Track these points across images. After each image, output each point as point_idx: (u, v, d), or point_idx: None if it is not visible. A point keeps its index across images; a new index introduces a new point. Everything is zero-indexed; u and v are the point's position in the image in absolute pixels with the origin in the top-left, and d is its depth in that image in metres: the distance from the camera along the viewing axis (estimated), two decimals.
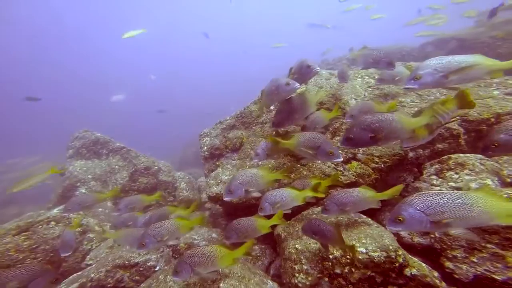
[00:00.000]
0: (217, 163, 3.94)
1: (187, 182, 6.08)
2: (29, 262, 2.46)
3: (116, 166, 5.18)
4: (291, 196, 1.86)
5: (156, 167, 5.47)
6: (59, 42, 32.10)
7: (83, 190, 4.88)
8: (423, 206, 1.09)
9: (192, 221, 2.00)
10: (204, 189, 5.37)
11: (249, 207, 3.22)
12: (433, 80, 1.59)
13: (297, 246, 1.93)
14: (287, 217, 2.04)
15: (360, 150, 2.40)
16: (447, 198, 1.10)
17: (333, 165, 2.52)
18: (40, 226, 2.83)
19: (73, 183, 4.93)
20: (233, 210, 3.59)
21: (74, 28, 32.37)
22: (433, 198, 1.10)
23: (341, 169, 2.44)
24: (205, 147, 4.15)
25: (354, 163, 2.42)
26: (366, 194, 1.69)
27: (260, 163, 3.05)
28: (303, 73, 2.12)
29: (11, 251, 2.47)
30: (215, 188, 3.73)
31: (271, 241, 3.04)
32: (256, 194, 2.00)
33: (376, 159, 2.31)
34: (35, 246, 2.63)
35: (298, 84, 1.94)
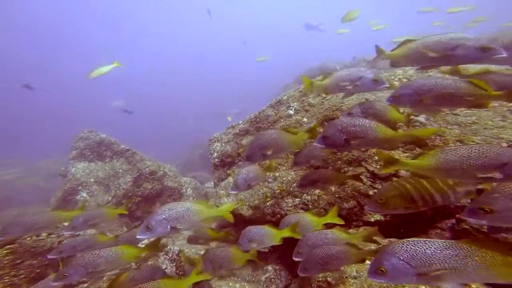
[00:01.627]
0: (228, 171, 3.61)
1: (194, 188, 5.77)
2: (7, 280, 2.14)
3: (120, 170, 4.91)
4: (268, 235, 1.82)
5: (161, 172, 5.18)
6: (62, 39, 32.34)
7: (84, 194, 4.62)
8: (407, 256, 0.99)
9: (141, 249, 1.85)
10: (211, 196, 5.05)
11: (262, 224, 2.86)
12: (338, 141, 1.51)
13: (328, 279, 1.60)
14: None
15: (402, 170, 2.03)
16: (435, 248, 0.99)
17: (369, 182, 2.14)
18: (29, 238, 2.54)
19: (74, 186, 4.67)
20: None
21: (76, 25, 32.63)
22: (418, 247, 1.00)
23: (379, 186, 2.07)
24: (216, 154, 3.82)
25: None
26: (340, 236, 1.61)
27: (242, 196, 2.77)
28: (367, 87, 1.79)
29: None
30: (226, 200, 3.39)
31: (287, 259, 2.70)
32: None
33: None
34: (19, 261, 2.33)
35: (388, 84, 1.73)
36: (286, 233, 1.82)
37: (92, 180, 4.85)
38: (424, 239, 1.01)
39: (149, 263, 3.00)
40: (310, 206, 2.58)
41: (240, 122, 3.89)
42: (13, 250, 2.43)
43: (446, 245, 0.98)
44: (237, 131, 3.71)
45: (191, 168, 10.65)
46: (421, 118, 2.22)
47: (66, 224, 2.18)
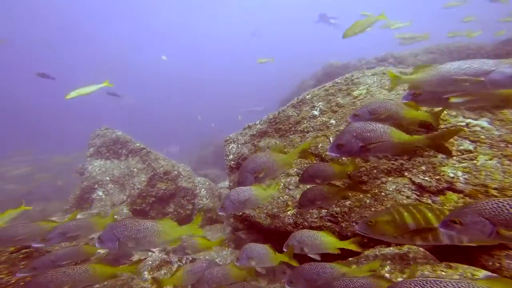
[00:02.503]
0: None
1: (208, 189, 5.62)
2: (22, 284, 1.99)
3: (135, 169, 4.85)
4: (268, 255, 1.77)
5: (175, 172, 5.07)
6: (73, 26, 32.82)
7: (100, 193, 4.61)
8: None
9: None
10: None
11: (283, 235, 2.61)
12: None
13: None
14: None
15: (461, 177, 1.66)
16: None
17: (415, 196, 1.80)
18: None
19: (91, 185, 4.68)
20: (263, 236, 3.01)
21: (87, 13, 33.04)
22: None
23: (429, 201, 1.73)
24: (231, 156, 3.60)
25: (453, 195, 1.68)
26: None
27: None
28: (499, 84, 1.44)
29: None
30: None
31: None
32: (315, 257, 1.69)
33: (494, 192, 1.54)
34: None
35: None
36: (284, 258, 1.74)
37: (108, 178, 4.83)
38: (435, 278, 0.91)
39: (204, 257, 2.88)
40: (340, 219, 2.28)
41: (257, 122, 3.63)
42: (28, 255, 2.36)
43: (462, 285, 0.89)
44: (254, 132, 3.46)
45: (204, 164, 10.60)
46: (483, 122, 1.82)
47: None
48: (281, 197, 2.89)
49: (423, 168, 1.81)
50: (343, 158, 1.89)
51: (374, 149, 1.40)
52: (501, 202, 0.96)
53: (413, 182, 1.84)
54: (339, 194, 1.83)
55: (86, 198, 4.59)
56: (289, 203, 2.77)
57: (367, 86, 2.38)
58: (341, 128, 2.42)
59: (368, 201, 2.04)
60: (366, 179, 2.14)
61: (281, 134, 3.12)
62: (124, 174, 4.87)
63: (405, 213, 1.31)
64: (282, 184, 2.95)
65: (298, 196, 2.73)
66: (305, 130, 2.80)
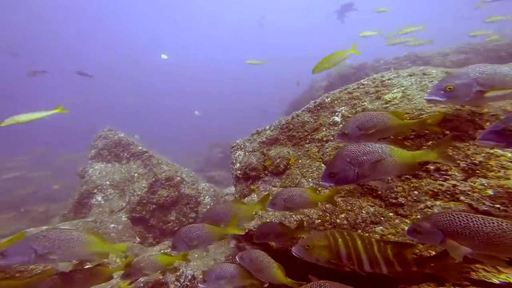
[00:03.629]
0: (251, 187, 3.01)
1: (212, 196, 5.30)
2: None
3: (136, 174, 4.58)
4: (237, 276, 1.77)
5: (178, 178, 4.77)
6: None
7: (100, 198, 4.36)
8: None
9: None
10: None
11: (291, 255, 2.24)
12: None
13: None
14: None
15: None
16: None
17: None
18: None
19: (90, 189, 4.44)
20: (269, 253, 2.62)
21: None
22: None
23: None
24: (238, 164, 3.25)
25: None
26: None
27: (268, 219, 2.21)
28: None
29: None
30: (246, 223, 2.80)
31: None
32: None
33: None
34: None
35: None
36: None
37: (107, 183, 4.58)
38: None
39: None
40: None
41: (267, 128, 3.27)
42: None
43: None
44: (264, 139, 3.09)
45: (210, 166, 10.34)
46: None
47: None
48: (293, 216, 2.51)
49: (489, 193, 1.38)
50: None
51: (374, 173, 1.28)
52: (453, 215, 1.04)
53: (472, 207, 1.41)
54: (290, 234, 1.84)
55: (85, 203, 4.35)
56: (304, 223, 2.38)
57: (402, 88, 1.97)
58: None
59: (406, 228, 1.62)
60: (403, 202, 1.73)
61: (295, 143, 2.74)
62: (124, 179, 4.61)
63: (340, 239, 1.32)
64: None
65: (314, 216, 2.34)
66: (324, 139, 2.41)
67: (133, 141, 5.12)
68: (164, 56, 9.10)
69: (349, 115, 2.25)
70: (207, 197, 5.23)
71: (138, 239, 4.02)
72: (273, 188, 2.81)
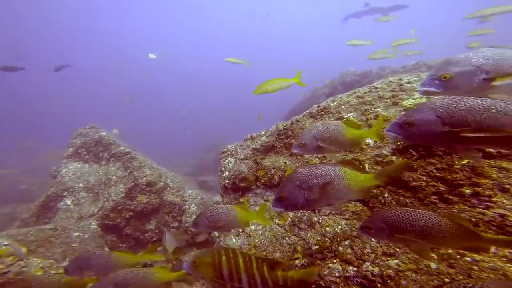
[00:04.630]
0: (241, 199, 2.62)
1: (199, 204, 4.85)
2: None
3: (114, 177, 4.12)
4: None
5: (162, 183, 4.33)
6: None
7: (69, 202, 3.86)
8: None
9: None
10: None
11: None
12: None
13: None
14: None
15: None
16: None
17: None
18: None
19: (59, 192, 3.94)
20: None
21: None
22: None
23: None
24: (227, 173, 2.87)
25: None
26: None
27: (256, 241, 2.06)
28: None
29: None
30: (234, 240, 2.41)
31: None
32: None
33: None
34: None
35: None
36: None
37: (81, 185, 4.10)
38: None
39: None
40: (379, 285, 1.51)
41: (263, 133, 2.93)
42: None
43: None
44: (258, 146, 2.73)
45: (204, 170, 9.87)
46: None
47: None
48: (287, 238, 2.13)
49: None
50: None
51: (326, 198, 1.23)
52: (397, 212, 1.09)
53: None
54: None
55: (51, 207, 3.85)
56: (299, 248, 2.00)
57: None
58: (382, 151, 1.69)
59: (433, 266, 1.27)
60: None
61: (292, 152, 2.38)
62: (100, 182, 4.13)
63: (223, 257, 1.33)
64: (289, 219, 2.20)
65: (312, 240, 1.97)
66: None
67: (115, 141, 4.68)
68: (152, 56, 8.65)
69: (359, 123, 1.93)
70: (193, 205, 4.79)
71: (106, 249, 3.53)
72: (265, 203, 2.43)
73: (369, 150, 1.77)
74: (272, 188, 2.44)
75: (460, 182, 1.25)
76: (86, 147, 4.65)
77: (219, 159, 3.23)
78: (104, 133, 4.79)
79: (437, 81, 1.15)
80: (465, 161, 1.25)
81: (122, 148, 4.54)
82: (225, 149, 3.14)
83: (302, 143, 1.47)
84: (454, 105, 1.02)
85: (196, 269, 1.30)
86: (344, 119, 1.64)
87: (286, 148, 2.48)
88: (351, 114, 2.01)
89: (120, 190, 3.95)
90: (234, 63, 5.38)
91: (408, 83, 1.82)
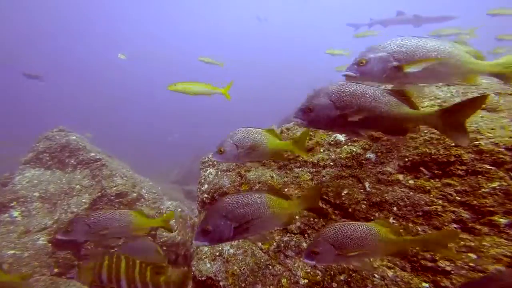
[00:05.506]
0: None
1: (177, 218, 4.38)
2: None
3: (78, 186, 3.61)
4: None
5: (134, 194, 3.86)
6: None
7: (16, 214, 3.29)
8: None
9: None
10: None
11: None
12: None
13: None
14: None
15: None
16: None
17: None
18: None
19: (5, 202, 3.36)
20: None
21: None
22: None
23: None
24: (206, 186, 2.52)
25: None
26: None
27: (235, 268, 1.75)
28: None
29: None
30: (208, 266, 2.04)
31: None
32: None
33: None
34: None
35: None
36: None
37: (36, 194, 3.54)
38: None
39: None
40: None
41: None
42: None
43: None
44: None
45: (192, 179, 9.28)
46: None
47: None
48: (271, 267, 1.81)
49: None
50: None
51: (253, 228, 1.19)
52: (337, 227, 1.05)
53: None
54: None
55: None
56: (284, 281, 1.68)
57: (438, 101, 1.47)
58: (386, 168, 1.44)
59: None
60: (449, 268, 1.11)
61: (281, 165, 2.11)
62: (61, 191, 3.60)
63: (105, 263, 1.36)
64: (275, 244, 1.88)
65: (300, 272, 1.65)
66: (321, 163, 1.81)
67: (85, 146, 4.19)
68: (121, 56, 8.20)
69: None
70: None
71: (55, 270, 2.95)
72: None
73: (369, 166, 1.52)
74: None
75: (491, 209, 1.02)
76: (50, 152, 4.12)
77: (200, 170, 2.88)
78: (74, 137, 4.29)
79: (355, 66, 1.17)
80: (495, 184, 1.02)
81: (92, 154, 4.06)
82: (206, 159, 2.81)
83: (221, 150, 1.41)
84: (342, 90, 1.09)
85: (78, 274, 1.31)
86: (265, 128, 1.55)
87: (274, 160, 2.20)
88: None
89: (83, 200, 3.44)
90: (208, 63, 5.06)
91: None
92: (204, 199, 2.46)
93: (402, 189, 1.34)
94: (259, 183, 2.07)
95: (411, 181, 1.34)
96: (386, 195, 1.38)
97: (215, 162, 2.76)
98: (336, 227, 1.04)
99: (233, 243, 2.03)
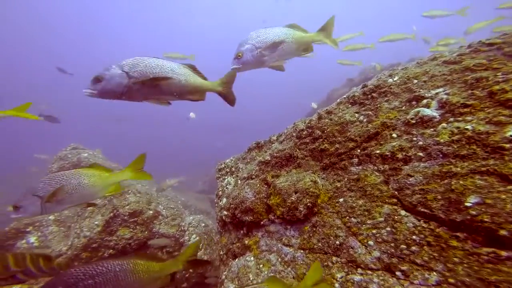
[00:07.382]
0: (246, 241, 1.67)
1: (202, 234, 3.90)
2: None
3: (89, 208, 3.29)
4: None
5: (150, 212, 3.45)
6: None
7: (32, 239, 3.04)
8: None
9: None
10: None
11: None
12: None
13: None
14: None
15: None
16: None
17: None
18: None
19: (21, 227, 3.14)
20: None
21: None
22: None
23: None
24: (224, 200, 1.95)
25: None
26: None
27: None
28: None
29: None
30: None
31: None
32: None
33: None
34: None
35: None
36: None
37: (51, 218, 3.29)
38: None
39: None
40: None
41: (274, 138, 2.02)
42: None
43: None
44: (268, 158, 1.80)
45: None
46: None
47: None
48: (263, 269, 1.18)
49: None
50: None
51: None
52: (72, 273, 1.04)
53: None
54: None
55: (6, 246, 3.03)
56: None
57: None
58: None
59: None
60: None
61: (327, 164, 1.45)
62: (74, 213, 3.31)
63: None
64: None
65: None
66: (398, 155, 1.11)
67: (96, 163, 3.91)
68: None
69: (462, 101, 0.98)
70: (194, 235, 3.85)
71: None
72: (286, 249, 1.46)
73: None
74: (296, 224, 1.48)
75: None
76: None
77: (216, 179, 2.33)
78: (85, 155, 4.06)
79: (236, 59, 1.43)
80: None
81: None
82: (223, 165, 2.25)
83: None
84: (136, 63, 1.25)
85: None
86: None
87: (314, 158, 1.55)
88: (441, 90, 1.07)
89: (96, 223, 3.09)
90: (176, 58, 4.52)
91: None
92: (224, 217, 1.88)
93: None
94: (295, 192, 1.44)
95: None
96: None
97: (233, 168, 2.19)
98: None
99: (266, 272, 1.42)
